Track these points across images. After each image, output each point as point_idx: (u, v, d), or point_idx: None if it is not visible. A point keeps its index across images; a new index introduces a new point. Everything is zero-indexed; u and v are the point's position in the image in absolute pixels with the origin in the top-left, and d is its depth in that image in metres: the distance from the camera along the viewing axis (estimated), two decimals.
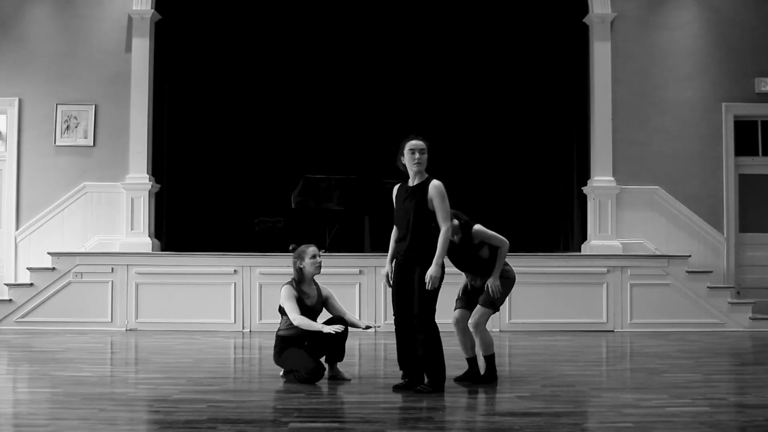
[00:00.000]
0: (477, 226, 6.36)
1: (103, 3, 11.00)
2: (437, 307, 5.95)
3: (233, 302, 10.04)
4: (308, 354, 6.34)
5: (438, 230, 5.93)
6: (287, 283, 6.56)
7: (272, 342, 8.52)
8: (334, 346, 6.49)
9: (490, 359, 6.36)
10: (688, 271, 10.30)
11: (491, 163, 11.94)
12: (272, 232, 11.23)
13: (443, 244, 5.88)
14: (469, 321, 6.36)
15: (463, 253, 6.36)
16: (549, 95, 11.80)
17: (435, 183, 6.08)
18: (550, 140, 11.84)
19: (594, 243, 10.84)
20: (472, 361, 6.42)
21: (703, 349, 8.46)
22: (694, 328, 10.06)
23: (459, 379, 6.37)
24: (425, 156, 6.26)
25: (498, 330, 9.93)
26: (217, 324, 9.96)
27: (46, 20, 10.99)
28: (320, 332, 6.30)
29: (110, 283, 10.04)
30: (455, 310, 6.47)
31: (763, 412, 5.23)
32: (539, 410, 5.39)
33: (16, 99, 10.91)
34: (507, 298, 6.61)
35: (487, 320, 6.35)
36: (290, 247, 6.70)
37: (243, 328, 9.99)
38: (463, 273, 6.56)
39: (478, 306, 6.33)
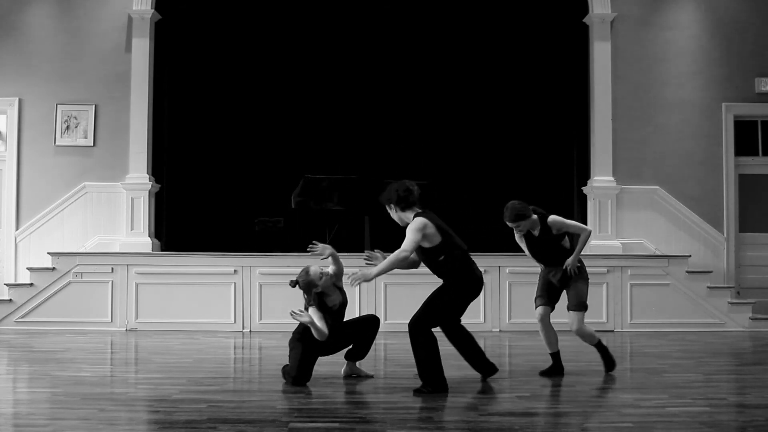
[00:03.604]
0: (552, 216, 6.60)
1: (103, 3, 10.99)
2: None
3: (233, 302, 10.03)
4: (307, 357, 6.30)
5: (452, 255, 6.00)
6: (311, 306, 6.36)
7: (272, 342, 8.51)
8: (360, 343, 6.49)
9: (600, 347, 6.75)
10: (688, 271, 10.30)
11: (491, 163, 11.93)
12: (272, 232, 11.23)
13: (389, 262, 5.91)
14: (572, 329, 6.67)
15: (545, 246, 6.59)
16: (549, 95, 11.79)
17: (411, 223, 6.05)
18: (550, 140, 11.84)
19: (594, 243, 10.83)
20: (555, 356, 6.74)
21: (703, 349, 8.46)
22: (694, 328, 10.06)
23: (544, 373, 6.68)
24: (396, 196, 6.13)
25: (498, 330, 9.93)
26: (217, 324, 9.95)
27: (46, 20, 10.99)
28: (352, 323, 6.48)
29: (110, 283, 10.04)
30: (537, 307, 6.74)
31: (763, 412, 5.23)
32: (539, 410, 5.39)
33: (16, 99, 10.91)
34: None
35: (583, 320, 6.67)
36: (290, 283, 6.47)
37: (243, 328, 9.99)
38: (538, 269, 6.83)
39: (571, 312, 6.64)
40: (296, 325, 6.47)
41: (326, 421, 4.99)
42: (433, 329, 5.99)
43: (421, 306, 6.06)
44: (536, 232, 6.60)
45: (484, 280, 6.43)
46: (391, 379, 6.57)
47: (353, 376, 6.57)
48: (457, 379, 6.33)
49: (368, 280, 5.92)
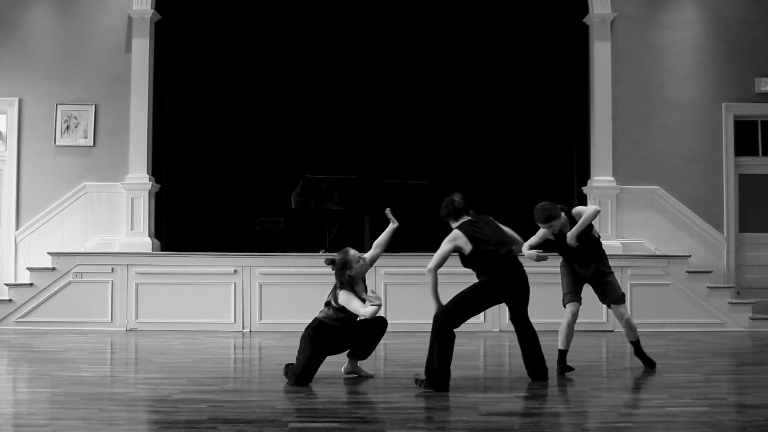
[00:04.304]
0: (574, 209, 6.87)
1: (103, 3, 10.99)
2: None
3: (233, 302, 10.03)
4: (315, 358, 6.31)
5: (485, 261, 6.21)
6: (342, 289, 6.35)
7: (272, 342, 8.52)
8: (366, 343, 6.51)
9: (637, 345, 7.03)
10: (688, 271, 10.29)
11: (491, 163, 11.93)
12: (272, 232, 11.22)
13: (430, 286, 6.15)
14: (622, 320, 6.92)
15: (580, 241, 6.75)
16: (549, 95, 11.80)
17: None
18: (551, 140, 11.84)
19: None
20: (564, 354, 6.86)
21: (703, 349, 8.46)
22: (694, 328, 10.05)
23: (566, 370, 6.79)
24: (444, 211, 6.48)
25: (498, 330, 9.93)
26: (217, 324, 9.95)
27: (46, 20, 10.99)
28: (362, 323, 6.44)
29: (110, 283, 10.04)
30: (569, 303, 6.93)
31: (763, 412, 5.23)
32: (539, 410, 5.40)
33: (16, 99, 10.92)
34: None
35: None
36: (325, 261, 6.50)
37: (243, 328, 9.99)
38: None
39: (614, 306, 6.91)
40: (307, 323, 6.49)
41: (326, 421, 4.99)
42: (455, 327, 6.14)
43: (451, 300, 6.19)
44: (567, 231, 6.75)
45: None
46: (391, 379, 6.57)
47: (353, 374, 6.57)
48: (457, 379, 6.33)
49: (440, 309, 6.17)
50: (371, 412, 5.33)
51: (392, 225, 6.68)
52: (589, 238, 6.84)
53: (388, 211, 6.72)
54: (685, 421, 4.97)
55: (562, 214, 6.75)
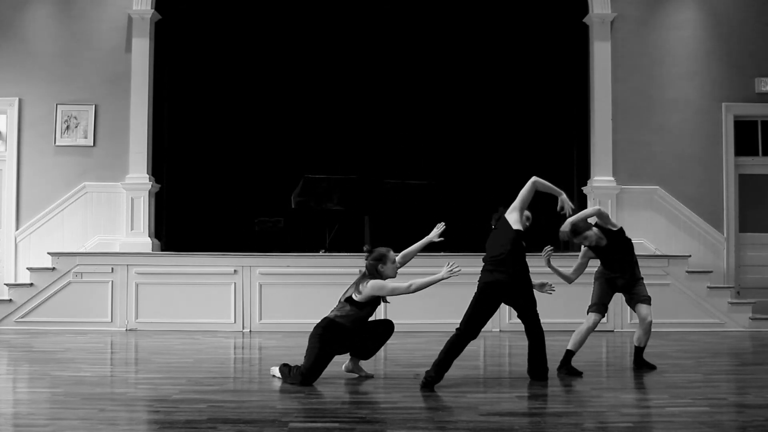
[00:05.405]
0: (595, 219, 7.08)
1: (103, 3, 11.00)
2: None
3: (233, 302, 10.03)
4: (324, 357, 6.30)
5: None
6: (372, 278, 6.42)
7: (272, 342, 8.51)
8: (371, 343, 6.54)
9: (641, 352, 7.12)
10: (688, 271, 10.29)
11: (491, 163, 11.93)
12: (272, 232, 11.22)
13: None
14: (646, 321, 6.99)
15: (616, 247, 6.99)
16: (549, 95, 11.80)
17: None
18: (550, 140, 11.84)
19: None
20: (571, 354, 6.93)
21: (703, 349, 8.46)
22: (694, 328, 10.06)
23: (572, 373, 6.79)
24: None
25: (498, 330, 9.93)
26: (217, 324, 9.95)
27: (46, 20, 11.00)
28: (371, 324, 6.56)
29: (110, 283, 10.04)
30: (595, 313, 7.07)
31: (763, 412, 5.24)
32: (539, 410, 5.40)
33: (16, 99, 10.92)
34: None
35: None
36: (365, 248, 6.65)
37: (243, 328, 9.99)
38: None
39: (639, 306, 7.01)
40: (309, 323, 6.53)
41: (326, 421, 4.99)
42: (469, 332, 6.28)
43: (466, 311, 6.36)
44: (604, 242, 6.97)
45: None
46: (391, 379, 6.58)
47: (353, 374, 6.57)
48: (457, 379, 6.34)
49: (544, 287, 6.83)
50: (371, 412, 5.33)
51: (429, 238, 6.77)
52: (625, 242, 7.00)
53: (441, 225, 6.79)
54: (685, 421, 4.97)
55: (592, 226, 6.94)
